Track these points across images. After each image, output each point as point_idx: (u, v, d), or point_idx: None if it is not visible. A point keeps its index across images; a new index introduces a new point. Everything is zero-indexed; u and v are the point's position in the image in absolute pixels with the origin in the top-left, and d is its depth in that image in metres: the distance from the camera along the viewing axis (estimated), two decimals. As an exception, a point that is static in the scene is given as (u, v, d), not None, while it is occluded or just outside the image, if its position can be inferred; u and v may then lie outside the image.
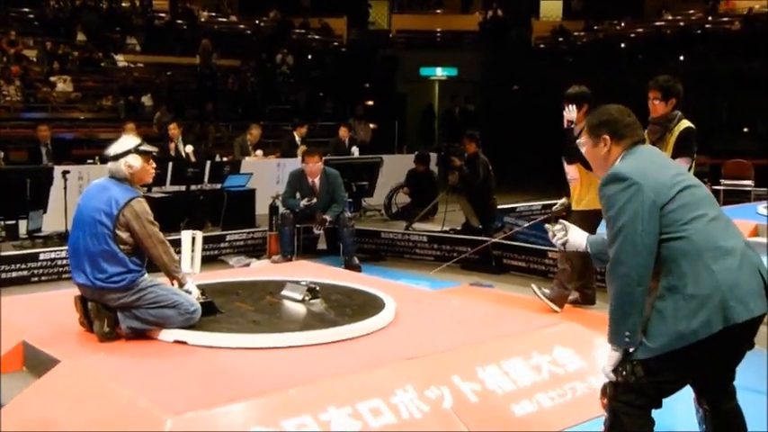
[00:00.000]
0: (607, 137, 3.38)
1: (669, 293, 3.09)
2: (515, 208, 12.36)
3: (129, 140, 4.99)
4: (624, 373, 3.17)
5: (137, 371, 4.29)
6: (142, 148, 4.92)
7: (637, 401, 3.16)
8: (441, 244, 9.47)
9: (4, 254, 8.07)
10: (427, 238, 9.66)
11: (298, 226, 9.22)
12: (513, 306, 6.45)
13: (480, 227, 10.35)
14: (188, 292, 4.96)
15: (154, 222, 4.83)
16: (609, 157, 3.38)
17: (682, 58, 20.10)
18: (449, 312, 5.75)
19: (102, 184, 4.91)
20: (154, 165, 5.01)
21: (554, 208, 7.03)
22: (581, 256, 6.74)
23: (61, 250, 8.24)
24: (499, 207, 11.19)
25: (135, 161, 4.87)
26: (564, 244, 3.68)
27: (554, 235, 3.70)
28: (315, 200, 9.09)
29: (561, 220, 3.78)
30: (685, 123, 5.95)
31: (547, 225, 3.81)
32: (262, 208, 10.80)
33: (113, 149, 4.91)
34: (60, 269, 8.09)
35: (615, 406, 3.20)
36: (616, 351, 3.17)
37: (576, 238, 3.66)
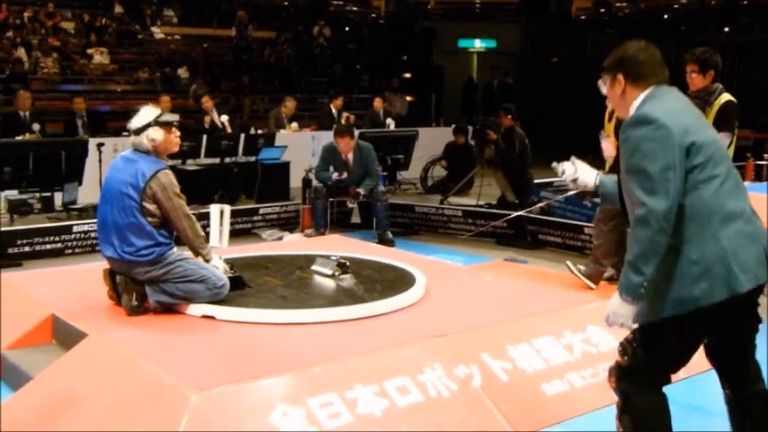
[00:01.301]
0: (621, 76, 3.20)
1: (672, 256, 2.94)
2: (552, 182, 12.21)
3: (149, 112, 4.90)
4: (627, 354, 3.09)
5: (163, 345, 4.29)
6: (162, 119, 4.84)
7: (645, 380, 3.08)
8: (476, 218, 9.40)
9: (38, 226, 8.14)
10: (462, 212, 9.58)
11: (331, 200, 9.20)
12: (547, 282, 6.37)
13: (516, 201, 10.23)
14: (215, 267, 4.93)
15: (180, 195, 4.79)
16: (626, 99, 3.19)
17: (726, 29, 19.68)
18: (481, 288, 5.70)
19: (129, 156, 4.88)
20: (178, 134, 4.92)
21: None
22: (616, 231, 6.67)
23: (95, 222, 8.27)
24: (536, 181, 11.07)
25: (156, 134, 4.82)
26: (574, 181, 3.53)
27: (563, 172, 3.56)
28: (346, 174, 9.04)
29: (573, 157, 3.64)
30: (726, 97, 5.79)
31: (554, 163, 3.67)
32: (296, 181, 10.79)
33: (134, 123, 4.86)
34: (94, 242, 8.14)
35: (624, 387, 3.12)
36: (628, 303, 3.01)
37: (586, 175, 3.52)
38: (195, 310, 4.76)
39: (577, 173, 3.53)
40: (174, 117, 4.92)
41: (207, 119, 12.20)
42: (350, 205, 9.29)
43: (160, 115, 4.85)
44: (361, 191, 8.91)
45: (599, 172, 3.53)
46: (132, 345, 4.24)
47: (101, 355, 4.19)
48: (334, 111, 14.11)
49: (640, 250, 2.93)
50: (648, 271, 2.92)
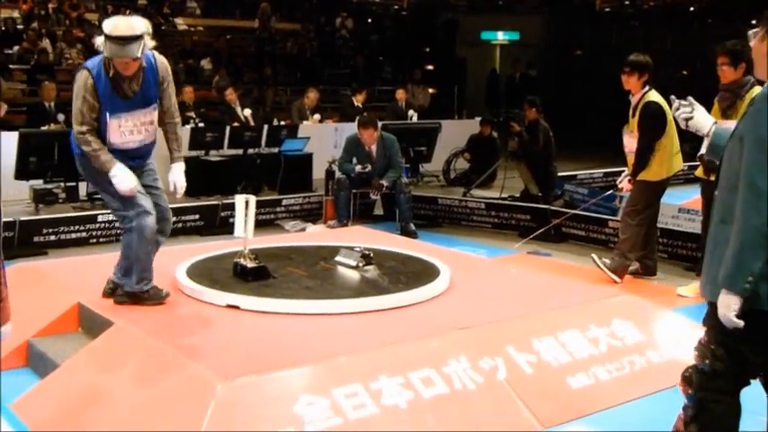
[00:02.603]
0: None
1: None
2: (576, 175, 12.16)
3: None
4: (706, 357, 2.87)
5: (188, 335, 4.31)
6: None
7: (726, 387, 2.88)
8: (498, 211, 9.36)
9: (63, 215, 8.20)
10: (485, 204, 9.55)
11: (354, 191, 9.19)
12: (572, 276, 6.35)
13: (539, 194, 10.20)
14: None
15: (80, 98, 4.57)
16: None
17: (753, 21, 19.47)
18: (505, 281, 5.69)
19: None
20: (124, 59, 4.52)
21: (619, 180, 6.87)
22: (643, 225, 6.63)
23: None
24: (559, 174, 11.02)
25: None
26: (687, 120, 3.22)
27: (678, 108, 3.26)
28: (369, 167, 9.04)
29: (690, 98, 3.34)
30: (758, 89, 5.73)
31: (672, 96, 3.38)
32: (319, 172, 10.80)
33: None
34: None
35: (702, 395, 2.90)
36: (732, 295, 2.68)
37: (702, 118, 3.20)
38: (219, 299, 4.78)
39: (694, 113, 3.23)
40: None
41: (238, 113, 12.27)
42: (373, 197, 9.29)
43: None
44: (385, 182, 8.91)
45: (717, 121, 3.25)
46: (158, 333, 4.26)
47: (126, 344, 4.22)
48: (357, 104, 14.10)
49: (750, 240, 2.64)
50: (756, 264, 2.64)
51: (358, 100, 14.17)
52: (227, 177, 10.69)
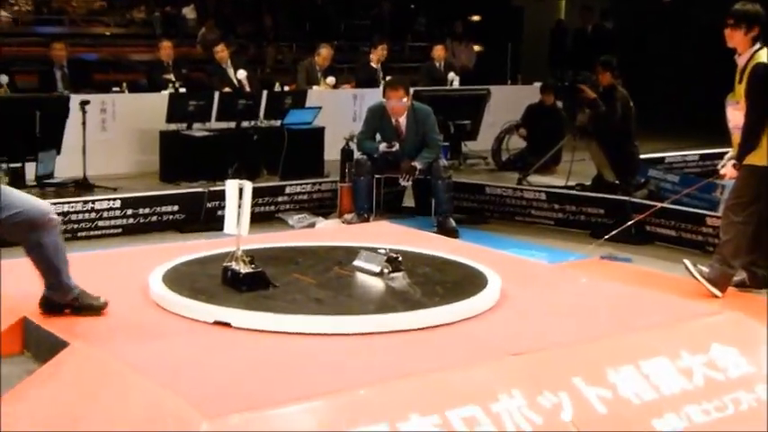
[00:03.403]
0: None
1: None
2: (663, 158, 12.09)
3: None
4: None
5: (166, 359, 4.32)
6: None
7: None
8: (563, 203, 9.33)
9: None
10: (546, 195, 9.52)
11: (377, 176, 9.18)
12: (658, 287, 6.29)
13: (616, 182, 10.15)
14: None
15: None
16: None
17: None
18: (572, 294, 5.67)
19: None
20: None
21: (721, 164, 6.82)
22: (750, 222, 6.57)
23: (77, 202, 8.40)
24: (642, 157, 10.96)
25: None
26: None
27: None
28: (397, 145, 9.02)
29: None
30: None
31: None
32: (332, 152, 10.81)
33: None
34: (76, 225, 8.24)
35: None
36: None
37: None
38: (205, 314, 4.79)
39: None
40: None
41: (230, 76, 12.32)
42: (403, 183, 9.26)
43: None
44: (418, 165, 8.89)
45: None
46: (126, 357, 4.27)
47: (86, 371, 4.23)
48: (374, 63, 14.07)
49: None
50: None
51: (375, 58, 14.10)
52: (216, 158, 10.73)
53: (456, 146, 12.60)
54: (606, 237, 8.07)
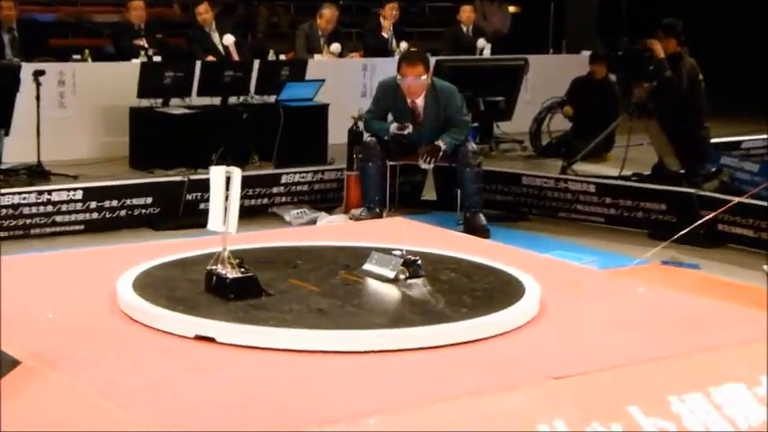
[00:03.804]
0: None
1: None
2: (740, 143, 12.06)
3: None
4: None
5: (136, 382, 4.31)
6: None
7: None
8: (617, 197, 9.32)
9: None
10: (596, 186, 9.51)
11: (391, 163, 9.18)
12: (732, 299, 6.29)
13: (681, 171, 10.13)
14: None
15: None
16: None
17: None
18: (627, 306, 5.65)
19: None
20: None
21: None
22: None
23: (30, 192, 8.41)
24: (713, 141, 10.93)
25: None
26: None
27: None
28: (410, 127, 9.01)
29: None
30: None
31: None
32: (337, 134, 10.84)
33: None
34: (29, 221, 8.26)
35: None
36: None
37: None
38: (184, 327, 4.79)
39: None
40: None
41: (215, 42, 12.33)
42: (423, 166, 9.26)
43: None
44: (442, 145, 8.86)
45: None
46: (88, 380, 4.27)
47: (39, 396, 4.22)
48: (385, 26, 14.04)
49: None
50: None
51: (387, 16, 14.05)
52: (197, 141, 10.77)
53: (487, 127, 12.62)
54: (672, 238, 8.06)
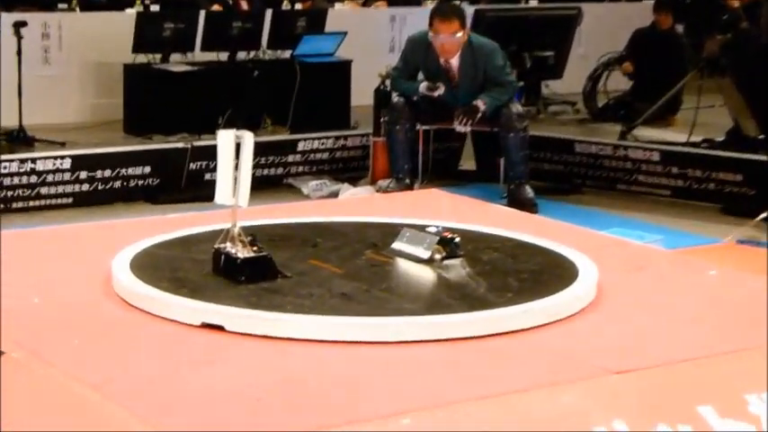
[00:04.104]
0: None
1: None
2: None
3: None
4: None
5: (135, 375, 4.33)
6: None
7: None
8: (685, 166, 9.28)
9: None
10: (660, 155, 9.48)
11: (424, 128, 9.17)
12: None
13: (760, 137, 10.09)
14: None
15: None
16: None
17: None
18: (697, 291, 5.64)
19: None
20: None
21: None
22: None
23: (11, 161, 8.44)
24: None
25: None
26: None
27: None
28: (442, 88, 9.00)
29: None
30: None
31: None
32: (362, 95, 10.82)
33: None
34: (11, 193, 8.30)
35: None
36: None
37: None
38: (189, 313, 4.80)
39: None
40: None
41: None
42: (459, 129, 9.24)
43: None
44: (482, 105, 8.85)
45: None
46: (82, 374, 4.29)
47: (25, 391, 4.25)
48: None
49: None
50: None
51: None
52: (202, 102, 10.76)
53: (535, 87, 12.60)
54: (760, 218, 8.02)
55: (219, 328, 4.71)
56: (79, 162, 8.58)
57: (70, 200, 8.53)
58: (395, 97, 9.18)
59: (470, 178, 9.73)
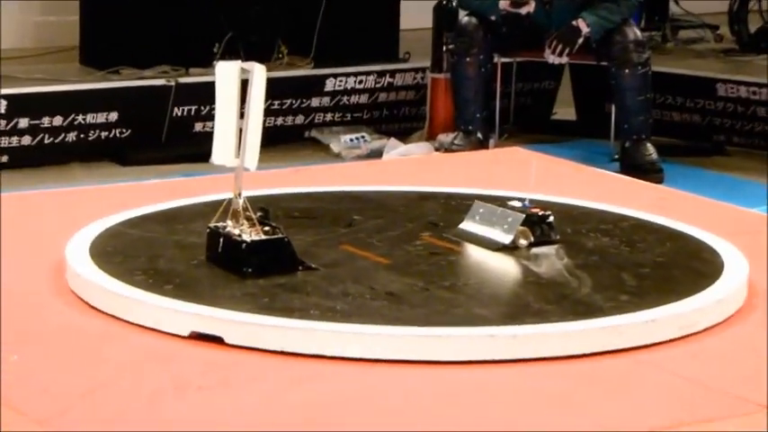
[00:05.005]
0: None
1: None
2: None
3: None
4: None
5: (101, 406, 4.35)
6: None
7: None
8: None
9: None
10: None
11: (503, 60, 9.19)
12: None
13: None
14: None
15: None
16: None
17: None
18: None
19: None
20: None
21: None
22: None
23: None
24: None
25: None
26: None
27: None
28: (532, 4, 9.04)
29: None
30: None
31: None
32: (416, 16, 10.85)
33: None
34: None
35: None
36: None
37: None
38: (175, 319, 4.81)
39: None
40: None
41: None
42: (553, 60, 9.27)
43: None
44: (584, 28, 8.87)
45: None
46: (22, 403, 4.32)
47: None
48: None
49: None
50: None
51: None
52: (189, 22, 10.79)
53: (659, 6, 12.57)
54: None
55: (217, 340, 4.74)
56: (18, 105, 8.61)
57: (5, 158, 8.58)
58: (464, 16, 9.20)
59: (569, 132, 9.72)
